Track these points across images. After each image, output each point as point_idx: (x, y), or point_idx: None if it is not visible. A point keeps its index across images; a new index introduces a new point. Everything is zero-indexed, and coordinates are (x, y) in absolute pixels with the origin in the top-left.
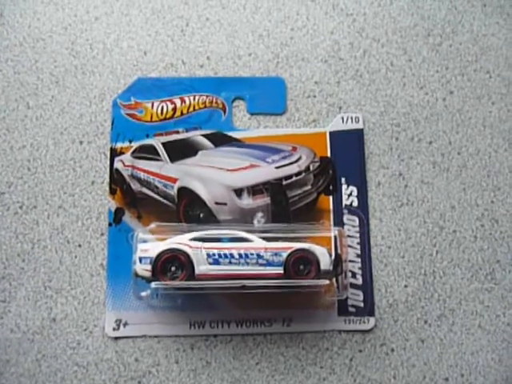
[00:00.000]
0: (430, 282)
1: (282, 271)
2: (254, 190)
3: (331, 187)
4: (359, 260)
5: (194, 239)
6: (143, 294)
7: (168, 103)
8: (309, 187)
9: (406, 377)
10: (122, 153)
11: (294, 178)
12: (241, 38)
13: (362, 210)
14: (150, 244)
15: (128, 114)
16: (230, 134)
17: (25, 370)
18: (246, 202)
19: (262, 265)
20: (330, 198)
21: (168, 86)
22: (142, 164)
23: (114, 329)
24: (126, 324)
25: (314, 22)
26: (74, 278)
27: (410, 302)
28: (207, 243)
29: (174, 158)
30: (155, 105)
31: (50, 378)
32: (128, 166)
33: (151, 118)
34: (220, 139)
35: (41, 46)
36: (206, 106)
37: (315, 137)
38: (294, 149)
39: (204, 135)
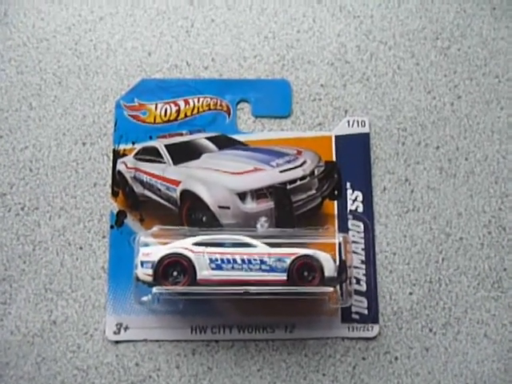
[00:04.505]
0: (435, 290)
1: (285, 277)
2: (258, 193)
3: (336, 192)
4: (364, 266)
5: (197, 244)
6: (144, 298)
7: (172, 105)
8: (313, 192)
9: None
10: (124, 155)
11: (299, 183)
12: (246, 39)
13: (367, 216)
14: (151, 248)
15: (131, 116)
16: (234, 136)
17: (24, 373)
18: (250, 206)
19: (265, 271)
20: (335, 202)
21: (172, 88)
22: (145, 166)
23: (114, 332)
24: (126, 328)
25: (321, 25)
26: (75, 280)
27: (414, 309)
28: (210, 248)
29: (177, 160)
30: (159, 106)
31: (49, 381)
32: (131, 168)
33: (155, 119)
34: (224, 142)
35: (44, 46)
36: (210, 109)
37: (320, 140)
38: (299, 152)
39: (208, 138)
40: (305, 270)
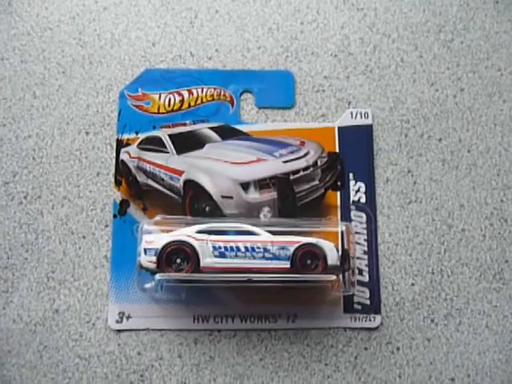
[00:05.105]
0: (437, 281)
1: (288, 265)
2: (261, 184)
3: (339, 183)
4: (366, 257)
5: (200, 231)
6: (147, 285)
7: (175, 95)
8: (316, 182)
9: (412, 376)
10: (128, 144)
11: (302, 173)
12: (250, 30)
13: (369, 207)
14: (155, 235)
15: (135, 106)
16: (238, 127)
17: (26, 361)
18: (253, 196)
19: (268, 258)
20: (338, 193)
21: (176, 78)
22: (148, 156)
23: (116, 321)
24: (129, 317)
25: (324, 16)
26: (78, 269)
27: (416, 300)
28: (213, 236)
29: (180, 150)
30: (162, 96)
31: (51, 369)
32: (134, 157)
33: (158, 109)
34: (227, 132)
35: (48, 35)
36: (213, 99)
37: (323, 132)
38: (302, 143)
39: (211, 128)
40: (308, 258)
